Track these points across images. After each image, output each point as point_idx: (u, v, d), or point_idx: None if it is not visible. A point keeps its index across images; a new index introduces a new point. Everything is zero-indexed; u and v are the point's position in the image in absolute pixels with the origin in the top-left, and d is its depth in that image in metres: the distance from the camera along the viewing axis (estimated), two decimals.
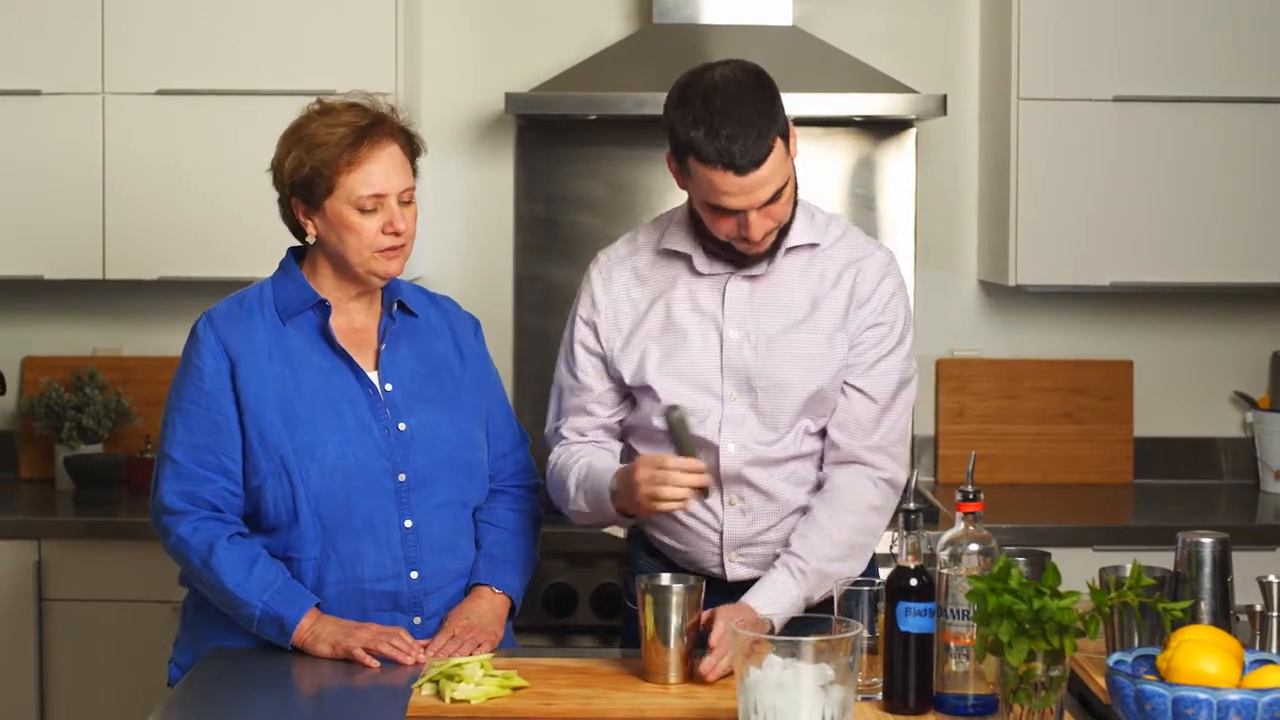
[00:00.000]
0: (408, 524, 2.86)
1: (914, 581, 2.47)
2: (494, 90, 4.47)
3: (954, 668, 2.44)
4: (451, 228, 4.59)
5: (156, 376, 4.40)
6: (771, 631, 2.71)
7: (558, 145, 4.53)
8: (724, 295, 2.91)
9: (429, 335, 2.97)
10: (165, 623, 3.66)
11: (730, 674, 2.54)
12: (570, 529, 3.97)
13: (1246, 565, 2.92)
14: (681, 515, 2.90)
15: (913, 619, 2.46)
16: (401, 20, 4.21)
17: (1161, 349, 4.63)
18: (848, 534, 2.85)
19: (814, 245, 2.93)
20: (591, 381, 2.97)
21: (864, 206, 4.49)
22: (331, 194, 2.81)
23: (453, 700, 2.52)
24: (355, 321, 2.91)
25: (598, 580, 3.94)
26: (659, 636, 2.63)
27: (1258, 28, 4.22)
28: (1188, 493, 4.51)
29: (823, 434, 2.94)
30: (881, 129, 4.51)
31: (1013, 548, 2.68)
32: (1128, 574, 2.42)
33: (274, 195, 2.90)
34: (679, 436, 2.79)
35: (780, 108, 2.78)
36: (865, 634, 2.52)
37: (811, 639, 2.24)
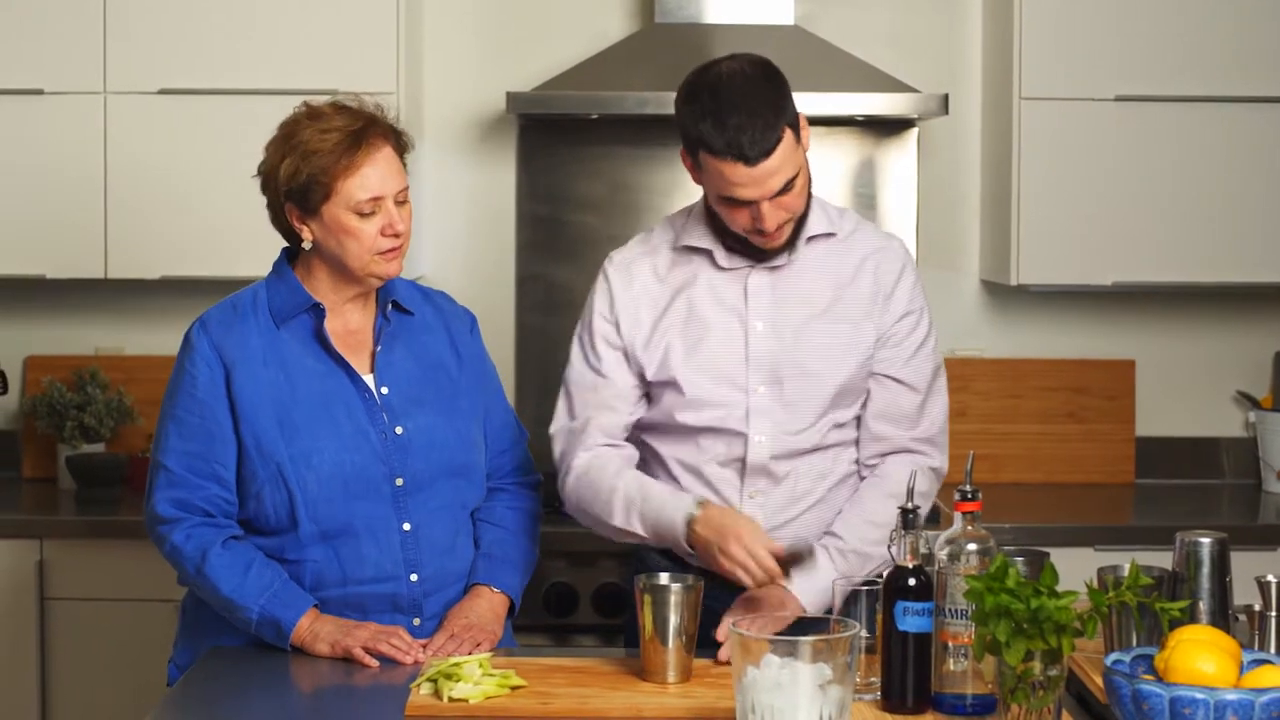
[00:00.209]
0: (406, 527, 2.86)
1: (912, 581, 2.46)
2: (496, 90, 4.47)
3: (952, 667, 2.43)
4: (453, 227, 4.59)
5: (158, 376, 4.38)
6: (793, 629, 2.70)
7: (560, 145, 4.53)
8: (746, 288, 2.92)
9: (424, 334, 2.96)
10: (167, 622, 3.66)
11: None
12: (572, 528, 3.95)
13: (1248, 565, 2.92)
14: None
15: (911, 618, 2.45)
16: (403, 20, 4.21)
17: (1164, 349, 4.63)
18: (891, 518, 2.85)
19: (831, 235, 2.96)
20: (616, 375, 2.95)
21: (866, 206, 4.49)
22: (329, 200, 2.79)
23: (450, 699, 2.52)
24: (350, 323, 2.90)
25: (599, 580, 3.94)
26: (657, 635, 2.63)
27: (1259, 27, 4.22)
28: (1190, 492, 4.51)
29: (847, 426, 2.96)
30: (883, 128, 4.51)
31: (1011, 547, 2.68)
32: (1126, 574, 2.42)
33: None
34: (790, 567, 2.76)
35: (789, 98, 2.81)
36: (863, 633, 2.52)
37: (809, 638, 2.24)
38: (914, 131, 4.52)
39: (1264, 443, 4.52)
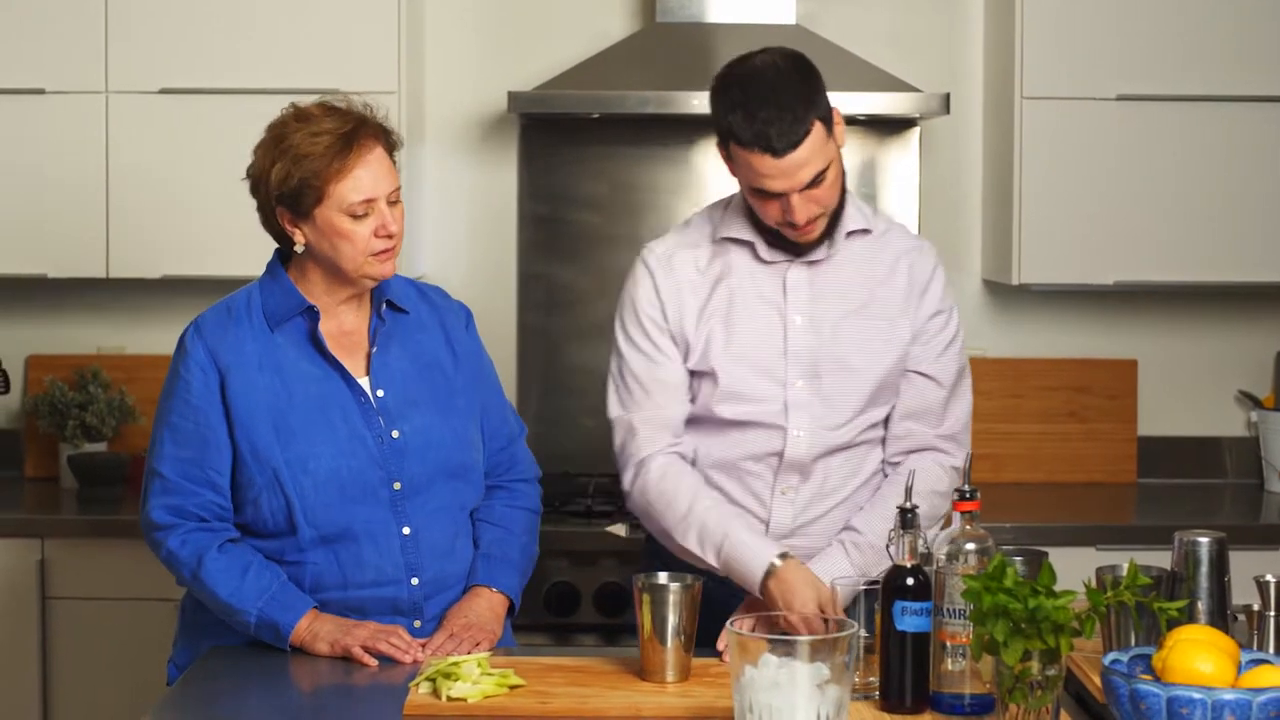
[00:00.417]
0: (406, 531, 2.85)
1: (911, 580, 2.46)
2: (497, 89, 4.47)
3: (950, 667, 2.43)
4: (455, 226, 4.59)
5: (160, 375, 4.27)
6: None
7: (561, 144, 4.53)
8: (785, 282, 2.94)
9: (419, 333, 2.94)
10: (168, 621, 3.65)
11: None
12: (572, 528, 3.99)
13: (1250, 565, 2.93)
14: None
15: (909, 618, 2.45)
16: (405, 19, 4.21)
17: (1166, 348, 4.63)
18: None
19: (867, 232, 2.98)
20: (671, 357, 2.94)
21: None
22: (321, 203, 2.77)
23: (449, 699, 2.52)
24: (345, 324, 2.89)
25: (600, 579, 3.94)
26: (656, 635, 2.63)
27: (1261, 26, 4.21)
28: (1192, 492, 4.50)
29: (878, 425, 2.98)
30: (885, 128, 4.50)
31: (1010, 547, 2.68)
32: (1124, 573, 2.41)
33: None
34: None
35: (821, 92, 2.81)
36: (862, 633, 2.52)
37: (807, 638, 2.24)
38: (915, 131, 4.52)
39: (1266, 442, 4.51)
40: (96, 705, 4.01)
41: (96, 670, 4.01)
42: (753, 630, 2.30)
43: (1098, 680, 2.51)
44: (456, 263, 4.58)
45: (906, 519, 2.50)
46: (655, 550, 3.05)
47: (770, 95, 2.77)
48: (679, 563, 2.93)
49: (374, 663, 2.73)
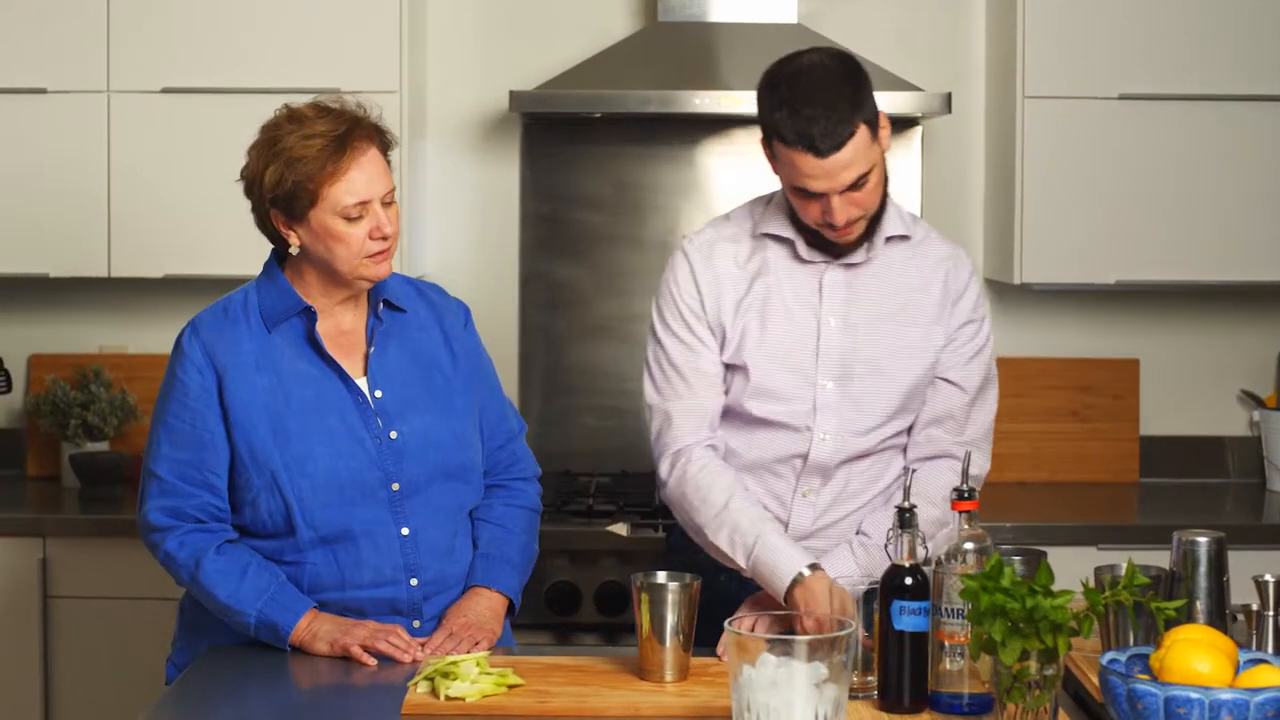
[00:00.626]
0: (405, 532, 2.85)
1: (909, 580, 2.46)
2: (499, 88, 4.47)
3: (949, 666, 2.43)
4: (456, 226, 4.59)
5: (162, 374, 4.39)
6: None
7: (563, 143, 4.53)
8: (821, 283, 2.94)
9: (417, 332, 2.94)
10: (169, 620, 3.65)
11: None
12: (573, 527, 3.98)
13: (1252, 564, 2.92)
14: None
15: (908, 618, 2.45)
16: (406, 18, 4.21)
17: (1168, 347, 4.62)
18: (923, 521, 2.85)
19: (906, 238, 2.98)
20: (710, 342, 2.94)
21: None
22: (315, 206, 2.77)
23: (447, 698, 2.52)
24: (343, 324, 2.89)
25: (601, 578, 3.93)
26: (654, 634, 2.63)
27: (1263, 25, 4.21)
28: (1194, 492, 4.50)
29: (903, 434, 2.98)
30: None
31: (1009, 546, 2.68)
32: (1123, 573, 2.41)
33: None
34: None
35: (868, 95, 2.81)
36: (862, 634, 2.52)
37: (805, 637, 2.24)
38: (917, 130, 4.51)
39: (1268, 442, 4.51)
40: (98, 704, 4.01)
41: (98, 669, 4.02)
42: (751, 630, 2.30)
43: (1096, 680, 2.51)
44: (458, 262, 4.59)
45: (905, 519, 2.50)
46: (678, 546, 3.06)
47: (816, 94, 2.76)
48: (696, 563, 2.93)
49: (373, 662, 2.73)
